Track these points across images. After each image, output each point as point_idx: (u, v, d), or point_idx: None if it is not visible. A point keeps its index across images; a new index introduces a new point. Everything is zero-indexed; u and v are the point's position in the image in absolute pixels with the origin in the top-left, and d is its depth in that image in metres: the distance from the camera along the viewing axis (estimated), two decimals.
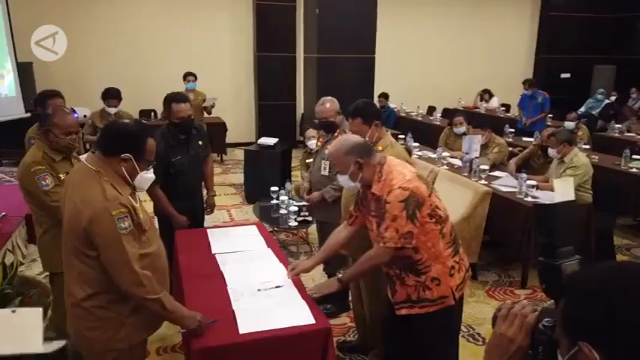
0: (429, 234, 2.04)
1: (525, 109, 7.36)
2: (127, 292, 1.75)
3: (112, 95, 4.87)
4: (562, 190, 3.81)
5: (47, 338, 2.44)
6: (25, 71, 7.80)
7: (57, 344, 2.32)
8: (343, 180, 2.16)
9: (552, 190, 4.00)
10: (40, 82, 8.02)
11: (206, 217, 3.65)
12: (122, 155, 1.77)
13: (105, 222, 1.67)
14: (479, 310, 3.58)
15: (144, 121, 2.90)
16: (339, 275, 2.21)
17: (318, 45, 5.63)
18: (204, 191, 3.60)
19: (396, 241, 1.98)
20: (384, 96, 8.90)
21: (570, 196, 3.77)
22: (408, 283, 2.11)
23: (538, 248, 2.13)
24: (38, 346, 2.02)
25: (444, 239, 2.07)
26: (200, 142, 3.38)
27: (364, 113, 2.66)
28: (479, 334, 3.30)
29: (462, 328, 3.21)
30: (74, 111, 7.49)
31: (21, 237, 3.98)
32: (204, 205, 3.57)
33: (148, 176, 1.87)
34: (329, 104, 3.23)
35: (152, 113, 8.16)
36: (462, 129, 5.76)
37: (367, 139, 2.57)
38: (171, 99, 3.16)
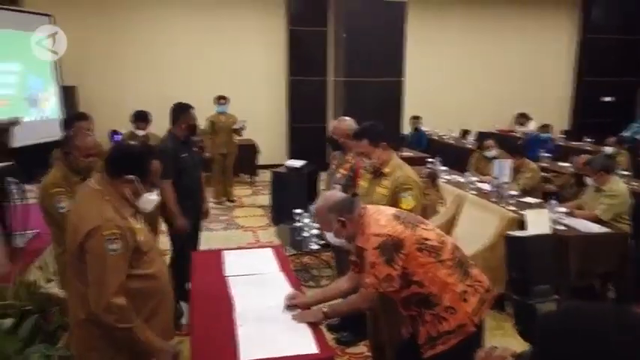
0: (426, 266, 1.99)
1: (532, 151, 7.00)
2: (95, 314, 1.73)
3: (140, 118, 5.03)
4: (536, 222, 3.50)
5: (63, 357, 2.47)
6: (68, 94, 8.20)
7: None
8: (330, 237, 2.17)
9: (590, 218, 3.81)
10: (83, 105, 8.39)
11: (233, 237, 3.80)
12: (126, 176, 1.79)
13: (96, 240, 1.69)
14: (506, 344, 3.36)
15: (150, 144, 3.14)
16: (325, 309, 2.16)
17: (346, 69, 5.65)
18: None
19: (377, 286, 1.98)
20: (416, 118, 8.83)
21: (545, 228, 3.44)
22: (427, 319, 2.04)
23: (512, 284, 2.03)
24: None
25: (444, 266, 2.00)
26: (195, 149, 3.79)
27: (371, 134, 2.63)
28: None
29: None
30: (116, 133, 7.82)
31: (51, 254, 4.09)
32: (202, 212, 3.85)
33: (151, 198, 1.88)
34: (340, 123, 3.23)
35: None
36: (493, 152, 5.62)
37: (375, 160, 2.54)
38: (188, 106, 3.62)
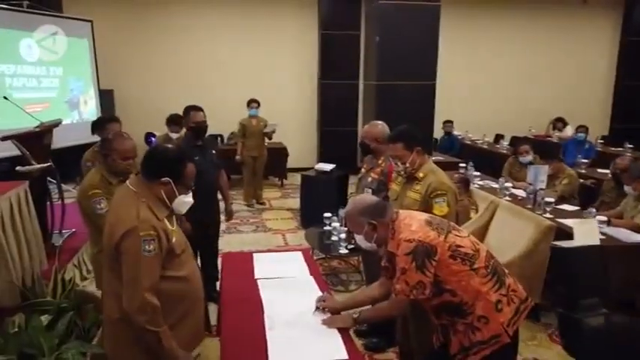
0: (459, 274, 1.94)
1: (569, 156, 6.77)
2: (128, 314, 1.75)
3: (174, 121, 5.11)
4: (583, 232, 3.29)
5: (97, 354, 2.53)
6: (106, 98, 8.44)
7: None
8: (359, 240, 2.15)
9: (630, 227, 3.66)
10: (119, 107, 8.64)
11: (262, 239, 3.81)
12: (162, 179, 1.82)
13: (132, 241, 1.72)
14: (540, 355, 3.28)
15: (184, 147, 3.18)
16: (355, 315, 2.15)
17: (378, 72, 5.59)
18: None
19: (407, 293, 1.95)
20: (449, 122, 8.69)
21: (594, 239, 3.22)
22: (459, 329, 1.99)
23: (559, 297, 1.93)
24: None
25: (478, 274, 1.95)
26: (213, 152, 3.77)
27: (406, 138, 2.59)
28: None
29: None
30: (152, 135, 7.97)
31: (87, 253, 4.20)
32: (226, 213, 3.94)
33: (186, 200, 1.91)
34: (371, 127, 3.19)
35: (218, 138, 8.47)
36: (528, 158, 5.47)
37: (408, 165, 2.50)
38: (190, 108, 3.69)
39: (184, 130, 3.79)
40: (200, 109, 3.69)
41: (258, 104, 7.03)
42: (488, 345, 1.95)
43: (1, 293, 3.06)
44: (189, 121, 3.63)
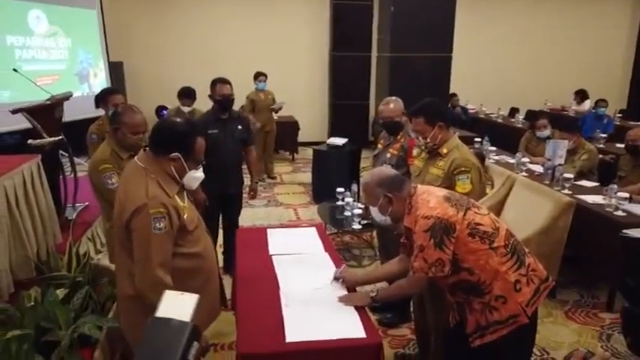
0: (478, 252, 1.89)
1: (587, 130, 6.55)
2: (140, 292, 1.73)
3: (185, 94, 5.04)
4: None
5: (113, 328, 2.54)
6: (115, 70, 8.36)
7: None
8: (374, 212, 2.10)
9: None
10: (129, 80, 8.57)
11: (273, 214, 3.77)
12: (171, 155, 1.77)
13: (142, 218, 1.68)
14: (555, 333, 3.26)
15: (194, 120, 3.10)
16: (373, 294, 2.11)
17: (392, 44, 5.45)
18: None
19: (426, 270, 1.90)
20: (454, 95, 8.49)
21: None
22: (475, 307, 1.95)
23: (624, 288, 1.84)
24: None
25: (497, 253, 1.89)
26: (239, 127, 3.63)
27: (427, 113, 2.50)
28: (554, 359, 3.00)
29: (535, 351, 2.95)
30: (164, 108, 7.92)
31: (101, 226, 4.22)
32: (248, 190, 3.87)
33: (196, 175, 1.86)
34: (393, 104, 3.11)
35: None
36: (546, 132, 5.34)
37: (429, 140, 2.42)
38: (217, 80, 3.59)
39: (212, 103, 3.69)
40: (227, 82, 3.59)
41: (266, 77, 6.92)
42: (506, 325, 1.90)
43: (17, 267, 3.08)
44: (215, 93, 3.55)
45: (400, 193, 2.03)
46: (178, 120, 1.89)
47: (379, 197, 2.03)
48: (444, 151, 2.45)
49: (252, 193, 3.87)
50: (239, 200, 3.89)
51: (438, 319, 2.51)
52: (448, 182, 2.41)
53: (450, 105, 8.54)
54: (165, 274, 1.72)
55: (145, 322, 1.78)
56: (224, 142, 3.51)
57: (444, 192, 2.05)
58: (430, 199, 1.96)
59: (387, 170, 2.17)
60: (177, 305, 1.09)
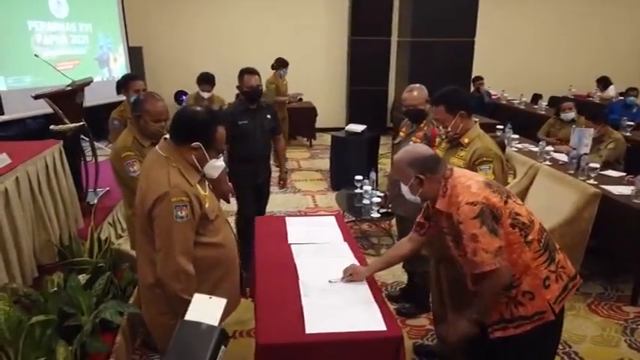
0: (513, 245, 1.81)
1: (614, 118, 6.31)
2: (162, 281, 1.73)
3: (205, 80, 5.02)
4: None
5: (134, 314, 2.57)
6: (135, 55, 8.38)
7: None
8: (404, 189, 2.01)
9: None
10: (148, 65, 8.58)
11: (290, 201, 3.76)
12: (192, 144, 1.75)
13: (164, 207, 1.68)
14: (577, 326, 3.20)
15: (213, 108, 3.05)
16: (475, 316, 1.90)
17: (412, 28, 5.33)
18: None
19: (492, 261, 1.74)
20: (480, 79, 8.33)
21: None
22: (500, 301, 1.89)
23: None
24: None
25: (530, 248, 1.82)
26: (268, 116, 3.59)
27: (448, 101, 2.43)
28: (576, 352, 2.95)
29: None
30: (183, 94, 7.91)
31: (122, 211, 4.26)
32: (278, 180, 3.87)
33: (217, 164, 1.84)
34: (417, 92, 3.04)
35: None
36: (571, 115, 5.24)
37: (450, 129, 2.36)
38: (244, 71, 3.51)
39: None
40: (254, 73, 3.53)
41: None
42: (531, 321, 1.86)
43: (40, 252, 3.13)
44: (243, 85, 3.50)
45: (433, 174, 1.92)
46: (199, 109, 1.86)
47: (410, 177, 1.94)
48: (466, 140, 2.38)
49: (281, 182, 3.87)
50: (267, 189, 3.87)
51: (457, 310, 2.48)
52: None
53: (473, 87, 8.38)
54: (187, 262, 1.72)
55: (165, 312, 1.81)
56: (254, 132, 3.50)
57: (481, 177, 1.97)
58: (471, 184, 1.84)
59: (422, 149, 2.03)
60: (206, 309, 1.11)
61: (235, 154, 3.48)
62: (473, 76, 8.11)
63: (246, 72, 3.51)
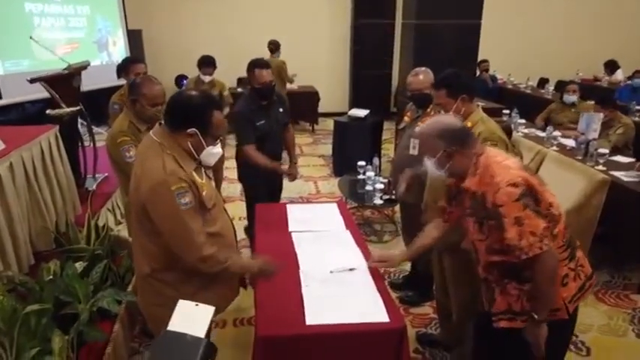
0: None
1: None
2: (193, 266, 1.72)
3: (205, 63, 4.91)
4: None
5: (132, 302, 2.52)
6: (134, 38, 8.25)
7: None
8: (429, 164, 1.85)
9: None
10: (148, 49, 8.45)
11: (292, 187, 3.61)
12: (188, 130, 1.67)
13: (163, 196, 1.60)
14: (585, 315, 3.13)
15: (211, 93, 2.82)
16: (537, 317, 1.72)
17: (417, 10, 5.18)
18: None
19: (539, 245, 1.61)
20: (485, 62, 8.18)
21: None
22: (510, 292, 1.80)
23: None
24: None
25: (554, 243, 1.70)
26: (281, 110, 3.33)
27: (450, 84, 2.33)
28: (583, 342, 2.89)
29: None
30: (184, 78, 7.81)
31: (121, 197, 4.20)
32: (287, 172, 3.48)
33: (214, 151, 1.76)
34: (422, 75, 2.95)
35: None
36: (573, 98, 5.15)
37: (452, 113, 2.27)
38: (254, 65, 3.15)
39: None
40: (266, 66, 3.16)
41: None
42: None
43: (36, 238, 3.09)
44: (254, 81, 3.15)
45: (464, 149, 1.77)
46: (194, 93, 1.77)
47: (438, 150, 1.78)
48: (468, 124, 2.28)
49: (291, 176, 3.48)
50: (281, 178, 3.61)
51: (461, 300, 2.42)
52: None
53: (478, 71, 8.23)
54: (208, 246, 1.70)
55: (161, 303, 1.75)
56: (270, 131, 3.22)
57: (515, 159, 1.82)
58: (510, 164, 1.70)
59: (452, 120, 1.88)
60: (192, 318, 1.01)
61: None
62: (478, 60, 8.00)
63: (257, 66, 3.15)
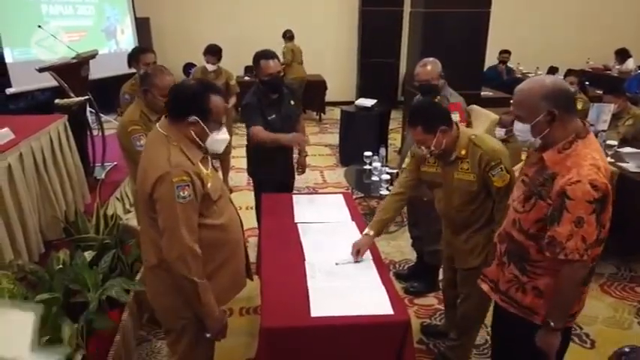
0: None
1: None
2: (169, 263, 1.67)
3: (210, 52, 4.89)
4: None
5: (140, 292, 2.55)
6: (142, 26, 8.24)
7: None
8: (520, 128, 1.68)
9: None
10: (156, 37, 8.45)
11: (298, 177, 3.58)
12: (189, 119, 1.68)
13: (164, 187, 1.62)
14: (589, 307, 3.13)
15: (207, 80, 2.65)
16: (553, 324, 1.66)
17: None
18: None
19: (582, 252, 1.54)
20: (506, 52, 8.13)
21: None
22: (505, 272, 1.79)
23: None
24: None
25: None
26: (292, 102, 3.20)
27: (425, 120, 2.14)
28: (587, 334, 2.90)
29: None
30: (192, 66, 7.82)
31: (129, 186, 4.24)
32: (296, 165, 3.46)
33: (220, 137, 1.76)
34: (430, 66, 2.92)
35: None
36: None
37: (434, 147, 2.13)
38: (260, 56, 3.01)
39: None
40: (272, 57, 3.00)
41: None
42: (519, 310, 1.76)
43: (46, 227, 3.13)
44: (260, 73, 3.00)
45: (568, 114, 1.60)
46: (190, 82, 1.78)
47: (539, 113, 1.60)
48: (462, 152, 2.17)
49: (300, 168, 3.44)
50: (291, 176, 3.51)
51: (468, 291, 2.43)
52: (483, 182, 2.17)
53: (498, 61, 8.16)
54: (193, 242, 1.67)
55: (168, 293, 1.78)
56: (281, 127, 3.05)
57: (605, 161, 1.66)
58: (600, 165, 1.55)
59: (561, 82, 1.67)
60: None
61: (268, 151, 3.07)
62: (500, 49, 7.92)
63: (262, 57, 2.99)
